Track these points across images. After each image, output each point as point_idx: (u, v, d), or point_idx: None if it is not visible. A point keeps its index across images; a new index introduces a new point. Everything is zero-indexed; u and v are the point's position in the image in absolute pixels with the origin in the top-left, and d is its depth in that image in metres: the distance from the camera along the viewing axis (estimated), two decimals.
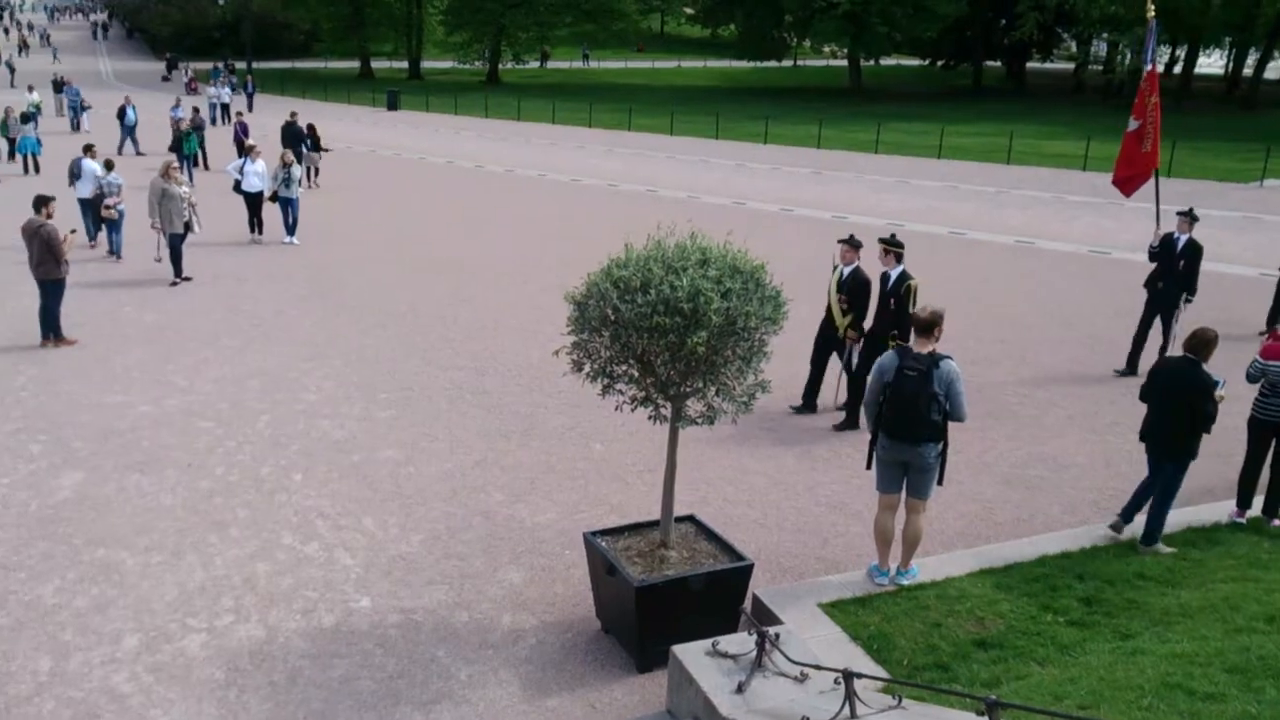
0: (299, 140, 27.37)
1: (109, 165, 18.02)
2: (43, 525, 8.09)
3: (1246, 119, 51.94)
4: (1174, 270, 12.39)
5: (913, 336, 6.89)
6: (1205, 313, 13.69)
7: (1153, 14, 12.19)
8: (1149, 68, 12.44)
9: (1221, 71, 73.05)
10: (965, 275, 17.72)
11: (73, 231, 12.88)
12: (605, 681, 6.33)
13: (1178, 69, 65.76)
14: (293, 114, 28.17)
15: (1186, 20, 53.59)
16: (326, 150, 27.90)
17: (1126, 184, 12.92)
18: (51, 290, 12.49)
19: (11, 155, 27.85)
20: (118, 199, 17.55)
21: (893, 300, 10.25)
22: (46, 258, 12.27)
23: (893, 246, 10.42)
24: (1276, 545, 7.66)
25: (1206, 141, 40.29)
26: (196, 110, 31.64)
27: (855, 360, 10.68)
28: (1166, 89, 62.08)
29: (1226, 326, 10.96)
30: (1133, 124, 12.40)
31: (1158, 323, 12.59)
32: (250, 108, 44.50)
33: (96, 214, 17.97)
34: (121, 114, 31.88)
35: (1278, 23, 58.28)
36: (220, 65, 62.73)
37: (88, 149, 19.00)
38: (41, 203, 12.43)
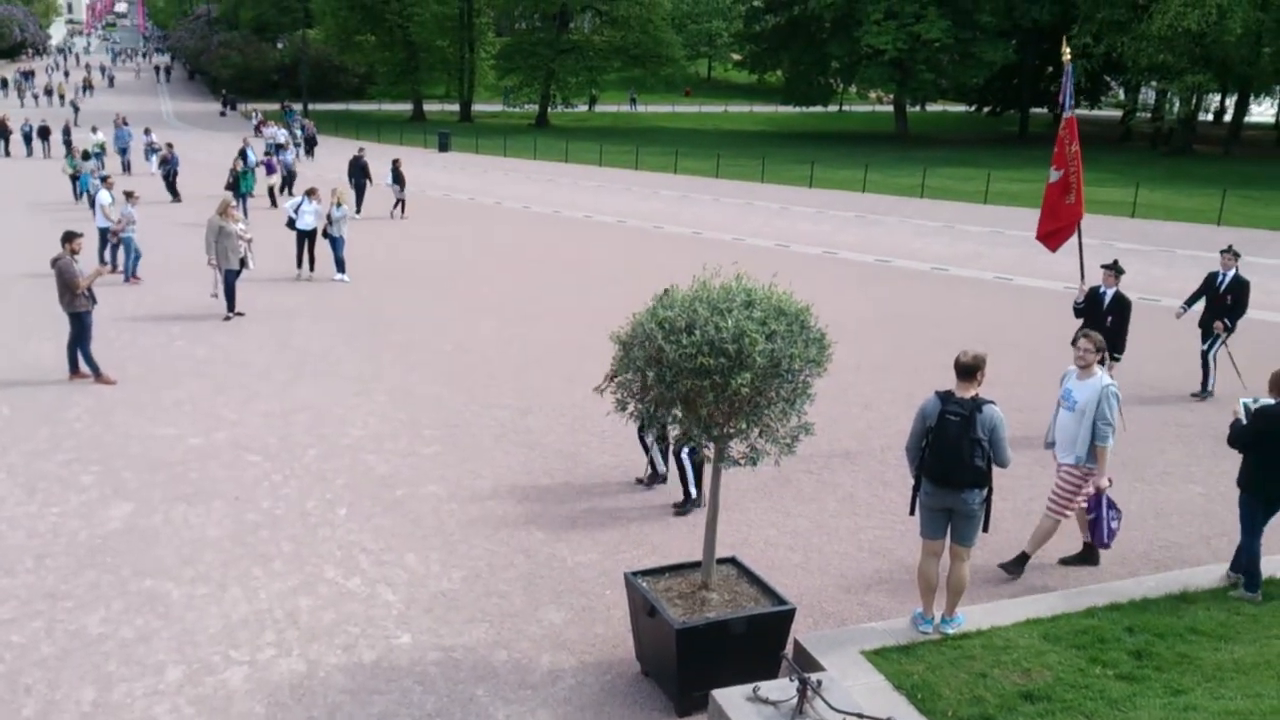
0: (365, 174, 28.75)
1: (129, 195, 19.31)
2: (91, 555, 8.22)
3: None
4: (1101, 326, 11.47)
5: (956, 380, 6.83)
6: (1262, 362, 13.46)
7: (1068, 57, 11.61)
8: (1067, 114, 11.62)
9: (1273, 120, 72.27)
10: (1013, 321, 17.57)
11: (104, 264, 13.32)
12: None
13: (1228, 117, 65.12)
14: (360, 149, 29.39)
15: (1236, 69, 53.13)
16: (404, 187, 28.78)
17: (1051, 238, 12.17)
18: (74, 323, 12.72)
19: (80, 195, 28.69)
20: (122, 224, 18.77)
21: None
22: (65, 291, 12.55)
23: None
24: None
25: (1258, 190, 39.79)
26: (268, 151, 32.59)
27: None
28: (1217, 138, 61.88)
29: None
30: (1054, 175, 11.63)
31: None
32: (310, 152, 44.85)
33: (124, 242, 19.11)
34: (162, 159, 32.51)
35: None
36: (292, 107, 64.21)
37: (104, 179, 20.63)
38: (66, 238, 12.74)
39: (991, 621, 7.09)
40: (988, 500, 6.74)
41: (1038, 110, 71.47)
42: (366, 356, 14.36)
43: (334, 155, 35.77)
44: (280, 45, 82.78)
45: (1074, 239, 12.08)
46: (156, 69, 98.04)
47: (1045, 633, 6.91)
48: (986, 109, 75.60)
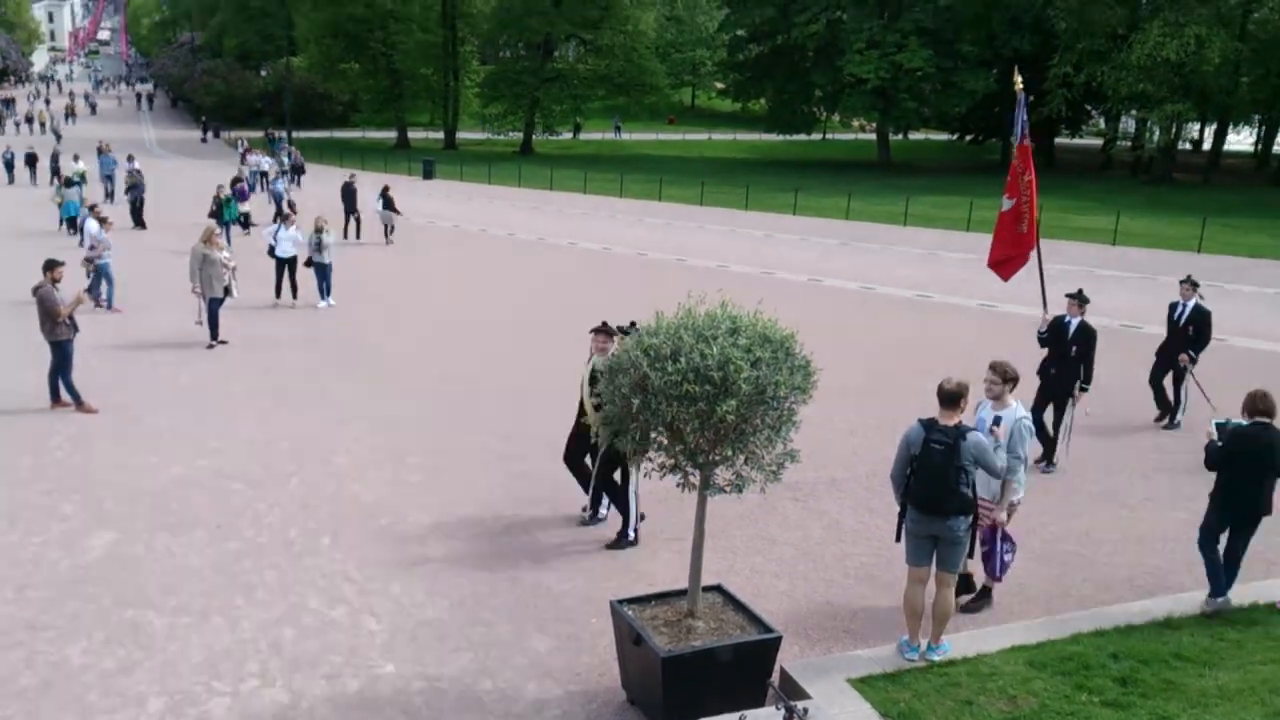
0: (353, 199, 29.43)
1: (102, 220, 19.78)
2: (73, 585, 8.14)
3: (1276, 194, 51.83)
4: (1066, 356, 11.57)
5: (939, 408, 6.87)
6: (1238, 390, 13.58)
7: (1020, 86, 11.11)
8: (1020, 143, 11.34)
9: (1251, 148, 73.22)
10: (997, 349, 17.63)
11: (86, 290, 13.39)
12: None
13: (1207, 146, 65.94)
14: (351, 175, 30.54)
15: (1214, 99, 53.88)
16: (399, 213, 29.40)
17: (1003, 267, 11.68)
18: (55, 352, 12.64)
19: (61, 223, 28.64)
20: (98, 251, 19.03)
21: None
22: (46, 319, 12.49)
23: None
24: None
25: (1236, 218, 40.23)
26: (236, 179, 32.49)
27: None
28: (1196, 166, 62.61)
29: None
30: (1006, 203, 11.28)
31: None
32: (298, 180, 44.39)
33: (97, 276, 19.20)
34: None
35: None
36: (279, 135, 64.20)
37: (93, 208, 20.94)
38: (47, 266, 12.69)
39: (977, 648, 7.10)
40: (973, 526, 6.77)
41: None
42: (351, 384, 14.32)
43: (321, 183, 35.78)
44: (264, 73, 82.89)
45: (1035, 268, 11.67)
46: (139, 96, 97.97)
47: (1030, 659, 6.92)
48: (968, 137, 76.28)
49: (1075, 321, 11.65)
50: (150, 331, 17.20)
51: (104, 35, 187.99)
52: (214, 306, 16.19)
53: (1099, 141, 73.48)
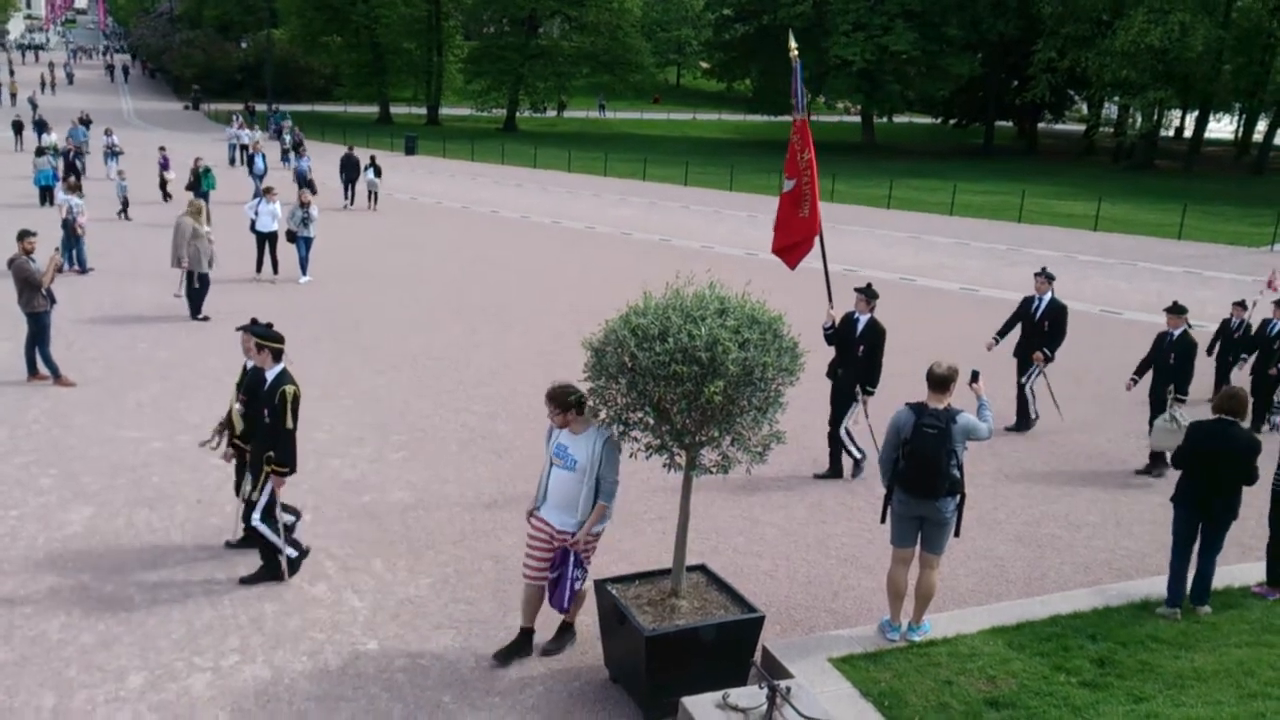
0: (357, 170, 31.45)
1: (75, 188, 20.11)
2: (51, 560, 8.08)
3: (1256, 183, 52.20)
4: (853, 355, 10.60)
5: (928, 392, 6.89)
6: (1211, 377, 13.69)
7: (795, 52, 9.78)
8: (798, 117, 9.85)
9: (1232, 136, 73.65)
10: (978, 333, 17.73)
11: (56, 250, 13.46)
12: None
13: (1188, 133, 66.30)
14: (350, 146, 33.30)
15: (1197, 86, 54.12)
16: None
17: (788, 254, 10.37)
18: (32, 323, 12.51)
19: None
20: (83, 219, 19.32)
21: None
22: (24, 289, 12.36)
23: None
24: None
25: (1217, 205, 40.49)
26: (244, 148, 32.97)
27: None
28: (1178, 153, 62.96)
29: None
30: (787, 184, 10.02)
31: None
32: (292, 155, 42.79)
33: (68, 237, 19.32)
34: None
35: None
36: (263, 109, 63.43)
37: (66, 180, 21.57)
38: (20, 236, 12.57)
39: (957, 629, 7.15)
40: (960, 508, 6.81)
41: (1003, 123, 72.33)
42: (332, 360, 14.24)
43: (321, 160, 35.43)
44: (244, 45, 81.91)
45: (819, 260, 10.40)
46: (110, 68, 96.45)
47: (1010, 640, 6.97)
48: (952, 121, 76.44)
49: (864, 319, 10.65)
50: (128, 305, 17.04)
51: (81, 4, 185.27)
52: (204, 281, 16.09)
53: (1081, 127, 73.72)
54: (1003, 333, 12.68)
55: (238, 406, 8.19)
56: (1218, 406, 7.52)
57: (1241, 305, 13.52)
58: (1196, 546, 7.55)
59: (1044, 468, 11.36)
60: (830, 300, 10.65)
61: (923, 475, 6.66)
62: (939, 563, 7.02)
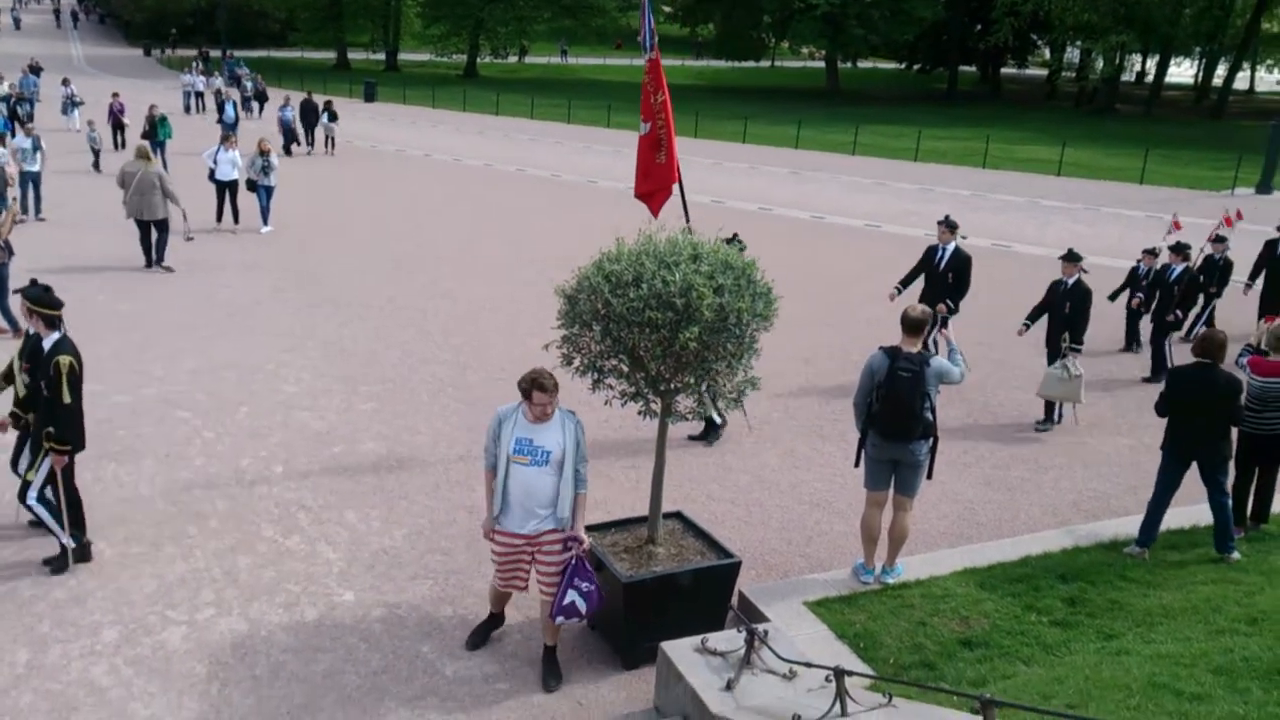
0: (315, 116, 31.87)
1: (28, 131, 19.80)
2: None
3: (1216, 127, 52.59)
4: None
5: (901, 336, 6.91)
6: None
7: None
8: (650, 56, 9.21)
9: (1192, 80, 74.03)
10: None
11: (14, 200, 13.08)
12: (592, 679, 6.31)
13: (1149, 79, 66.55)
14: (309, 92, 33.82)
15: (1158, 29, 54.22)
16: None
17: (650, 200, 9.82)
18: None
19: None
20: (11, 168, 18.26)
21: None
22: None
23: None
24: (1255, 548, 7.74)
25: (1177, 149, 40.78)
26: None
27: None
28: (1139, 98, 63.18)
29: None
30: (643, 128, 9.50)
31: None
32: (260, 109, 41.61)
33: (25, 186, 19.01)
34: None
35: (1246, 34, 59.17)
36: (235, 55, 61.92)
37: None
38: None
39: (930, 571, 7.24)
40: (933, 450, 6.86)
41: (966, 68, 72.21)
42: (297, 311, 14.06)
43: (278, 106, 34.73)
44: None
45: (682, 205, 9.79)
46: (58, 13, 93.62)
47: (982, 581, 7.08)
48: (916, 66, 76.16)
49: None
50: (86, 256, 16.68)
51: None
52: (165, 230, 15.86)
53: (1044, 72, 73.78)
54: (905, 283, 12.23)
55: (22, 376, 7.45)
56: (1196, 350, 7.55)
57: (1152, 253, 13.25)
58: (1205, 496, 7.54)
59: (1012, 411, 11.47)
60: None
61: (897, 418, 6.70)
62: (912, 505, 7.09)
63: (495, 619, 6.69)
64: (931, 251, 11.92)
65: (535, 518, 6.00)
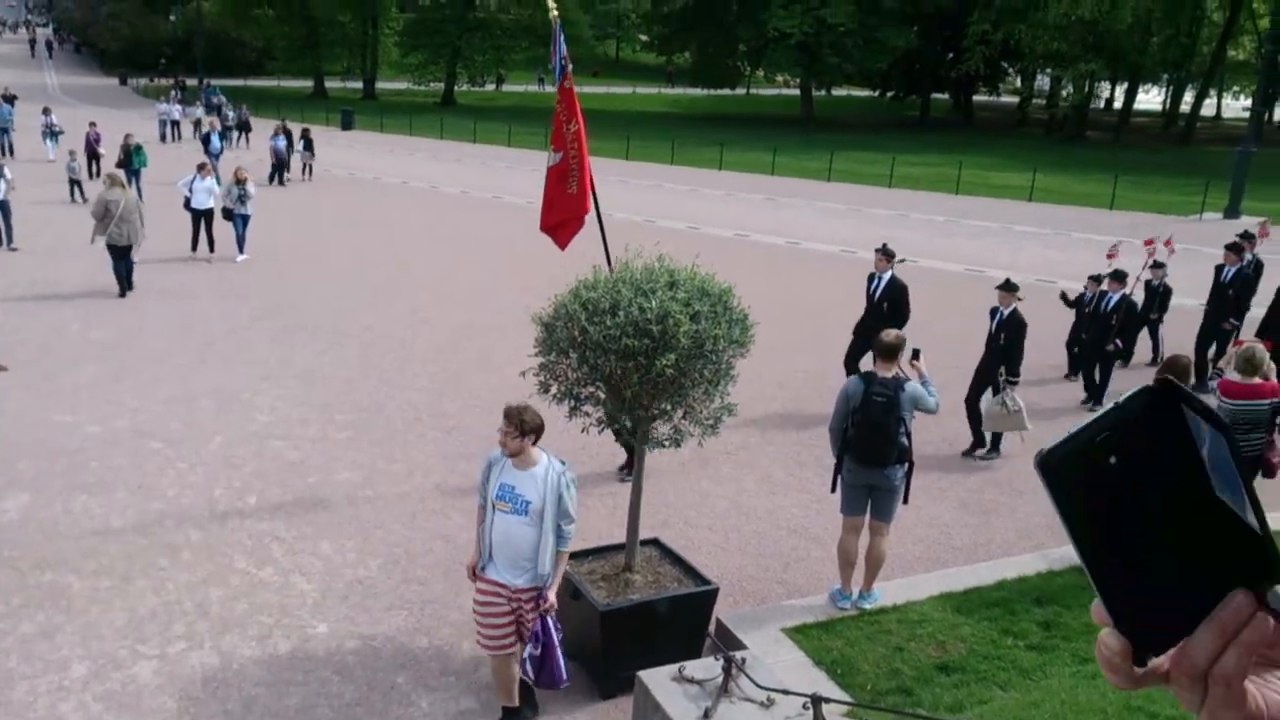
0: (292, 144, 31.45)
1: None
2: None
3: (1183, 153, 53.34)
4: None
5: (876, 361, 6.95)
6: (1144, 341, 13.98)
7: (555, 13, 9.17)
8: (561, 84, 9.14)
9: (1159, 107, 75.13)
10: (918, 303, 17.91)
11: None
12: (569, 708, 6.27)
13: (1118, 105, 67.52)
14: (283, 119, 34.07)
15: (1127, 58, 55.11)
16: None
17: (557, 232, 9.61)
18: None
19: None
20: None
21: None
22: None
23: None
24: None
25: (1146, 175, 41.30)
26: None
27: None
28: (1108, 124, 64.08)
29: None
30: (553, 157, 9.25)
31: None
32: (245, 139, 41.12)
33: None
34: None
35: (1212, 62, 60.21)
36: (212, 84, 61.82)
37: None
38: None
39: (907, 596, 7.26)
40: (908, 475, 6.89)
41: (939, 96, 73.05)
42: (273, 339, 13.99)
43: (262, 136, 34.72)
44: (173, 17, 79.68)
45: (599, 236, 9.47)
46: (33, 42, 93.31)
47: (958, 606, 7.09)
48: (889, 94, 76.96)
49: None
50: (59, 284, 16.57)
51: None
52: (129, 256, 15.83)
53: (1015, 99, 74.70)
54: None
55: None
56: (1160, 374, 7.61)
57: (1096, 280, 13.36)
58: None
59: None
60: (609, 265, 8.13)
61: (873, 443, 6.73)
62: (889, 530, 7.10)
63: (513, 714, 5.97)
64: (870, 279, 11.66)
65: (517, 569, 5.63)
